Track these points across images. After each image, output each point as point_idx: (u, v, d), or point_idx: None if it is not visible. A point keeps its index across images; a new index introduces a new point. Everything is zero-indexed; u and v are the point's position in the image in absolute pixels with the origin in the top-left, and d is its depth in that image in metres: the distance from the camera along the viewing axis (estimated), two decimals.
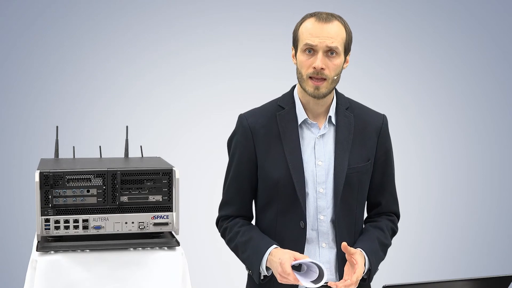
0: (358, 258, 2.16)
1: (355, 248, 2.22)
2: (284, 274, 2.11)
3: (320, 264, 2.10)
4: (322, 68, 2.16)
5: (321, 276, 2.09)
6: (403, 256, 4.17)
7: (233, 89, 4.27)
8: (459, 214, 4.52)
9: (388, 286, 1.79)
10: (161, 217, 2.44)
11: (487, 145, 4.55)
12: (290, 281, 2.11)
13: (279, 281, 2.16)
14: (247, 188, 2.34)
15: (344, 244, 2.14)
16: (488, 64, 4.52)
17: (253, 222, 2.42)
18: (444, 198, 4.52)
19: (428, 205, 4.49)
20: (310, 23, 2.19)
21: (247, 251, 2.26)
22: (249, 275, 2.36)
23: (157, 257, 2.41)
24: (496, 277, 1.88)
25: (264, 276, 2.25)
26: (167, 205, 2.45)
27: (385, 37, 4.43)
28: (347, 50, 2.23)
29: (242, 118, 2.33)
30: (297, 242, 2.25)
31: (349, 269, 2.18)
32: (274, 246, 2.22)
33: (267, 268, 2.22)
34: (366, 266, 2.21)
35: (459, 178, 4.54)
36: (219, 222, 2.42)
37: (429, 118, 4.51)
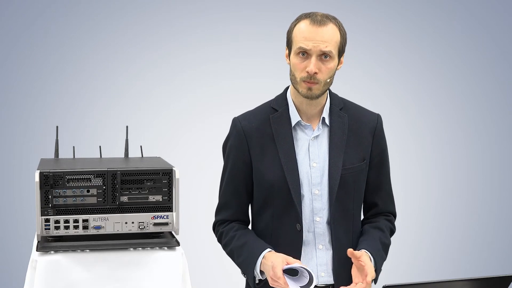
0: (365, 259, 2.15)
1: (359, 249, 2.21)
2: (275, 278, 2.10)
3: (310, 270, 2.08)
4: (315, 73, 2.15)
5: (310, 281, 2.08)
6: (403, 256, 4.17)
7: (233, 89, 4.27)
8: (459, 214, 4.52)
9: (388, 286, 1.79)
10: (161, 217, 2.45)
11: (487, 145, 4.55)
12: (281, 285, 2.10)
13: (271, 285, 2.15)
14: (243, 192, 2.33)
15: (350, 250, 2.12)
16: (488, 64, 4.52)
17: (250, 226, 2.41)
18: (444, 198, 4.52)
19: (428, 205, 4.48)
20: (304, 26, 2.17)
21: (242, 255, 2.26)
22: (246, 279, 2.36)
23: (157, 257, 2.41)
24: (496, 277, 1.88)
25: (259, 280, 2.24)
26: (167, 205, 2.46)
27: (385, 37, 4.43)
28: (341, 52, 2.21)
29: (235, 122, 2.32)
30: (293, 244, 2.24)
31: (357, 272, 2.16)
32: (268, 249, 2.21)
33: (262, 272, 2.21)
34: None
35: (459, 178, 4.54)
36: (215, 227, 2.41)
37: (429, 118, 4.51)
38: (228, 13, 4.29)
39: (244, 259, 2.24)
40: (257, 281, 2.24)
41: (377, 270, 2.22)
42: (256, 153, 2.27)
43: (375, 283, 2.26)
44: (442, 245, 4.50)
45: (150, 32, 4.22)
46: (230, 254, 2.33)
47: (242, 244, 2.26)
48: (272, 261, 2.13)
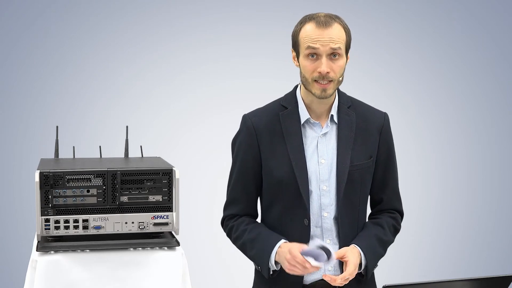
0: (349, 255, 2.21)
1: (350, 244, 2.26)
2: (292, 260, 2.14)
3: (326, 245, 2.13)
4: (327, 72, 2.19)
5: (329, 256, 2.12)
6: (403, 256, 4.17)
7: (233, 89, 4.27)
8: (459, 214, 4.52)
9: (388, 286, 1.80)
10: (161, 217, 2.45)
11: (487, 145, 4.55)
12: (298, 268, 2.14)
13: (288, 271, 2.18)
14: (252, 187, 2.36)
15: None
16: (488, 64, 4.52)
17: (259, 220, 2.44)
18: (444, 198, 4.52)
19: (428, 205, 4.48)
20: (310, 28, 2.20)
21: (255, 248, 2.29)
22: (256, 271, 2.39)
23: (157, 257, 2.41)
24: (496, 277, 1.88)
25: (273, 271, 2.28)
26: (167, 205, 2.46)
27: (385, 37, 4.43)
28: (347, 48, 2.26)
29: (246, 118, 2.35)
30: (301, 239, 2.27)
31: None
32: (283, 240, 2.25)
33: (276, 263, 2.25)
34: (363, 263, 2.24)
35: (459, 178, 4.54)
36: (224, 222, 2.43)
37: (429, 118, 4.51)
38: (228, 13, 4.29)
39: (258, 251, 2.28)
40: (271, 272, 2.27)
41: (369, 265, 2.26)
42: (265, 150, 2.31)
43: (367, 277, 2.29)
44: (442, 245, 4.50)
45: (150, 32, 4.22)
46: (242, 247, 2.35)
47: (255, 237, 2.30)
48: (288, 248, 2.18)
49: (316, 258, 2.15)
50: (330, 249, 2.13)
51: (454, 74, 4.51)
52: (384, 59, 4.43)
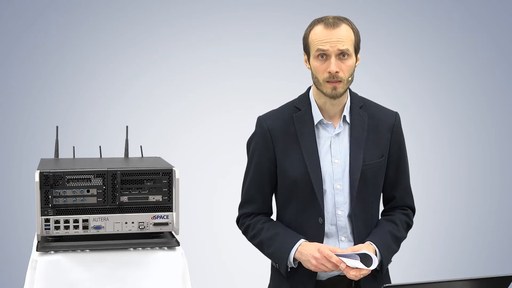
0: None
1: (366, 241, 2.31)
2: (323, 260, 2.19)
3: (368, 253, 2.19)
4: (336, 72, 2.24)
5: (370, 260, 2.18)
6: (403, 256, 4.16)
7: (233, 89, 4.27)
8: (459, 214, 4.52)
9: (388, 286, 1.80)
10: (161, 217, 2.45)
11: (487, 145, 4.55)
12: (328, 266, 2.19)
13: (313, 269, 2.23)
14: (268, 187, 2.42)
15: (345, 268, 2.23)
16: (488, 64, 4.52)
17: (273, 217, 2.49)
18: (444, 198, 4.52)
19: (428, 205, 4.48)
20: (319, 30, 2.27)
21: (273, 246, 2.34)
22: (273, 268, 2.44)
23: (157, 257, 2.42)
24: (496, 277, 1.88)
25: (291, 268, 2.33)
26: (167, 205, 2.46)
27: (385, 37, 4.43)
28: (357, 49, 2.31)
29: (260, 121, 2.40)
30: (316, 237, 2.32)
31: None
32: (303, 240, 2.30)
33: (294, 260, 2.30)
34: (378, 258, 2.28)
35: (459, 178, 4.53)
36: (240, 220, 2.48)
37: (429, 118, 4.51)
38: (228, 13, 4.29)
39: (277, 249, 2.33)
40: (289, 269, 2.33)
41: (384, 261, 2.32)
42: (280, 151, 2.36)
43: (382, 272, 2.34)
44: (442, 245, 4.49)
45: (150, 32, 4.22)
46: (259, 245, 2.40)
47: (273, 235, 2.35)
48: (315, 246, 2.24)
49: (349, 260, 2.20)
50: (373, 256, 2.19)
51: (454, 74, 4.51)
52: (384, 59, 4.43)
